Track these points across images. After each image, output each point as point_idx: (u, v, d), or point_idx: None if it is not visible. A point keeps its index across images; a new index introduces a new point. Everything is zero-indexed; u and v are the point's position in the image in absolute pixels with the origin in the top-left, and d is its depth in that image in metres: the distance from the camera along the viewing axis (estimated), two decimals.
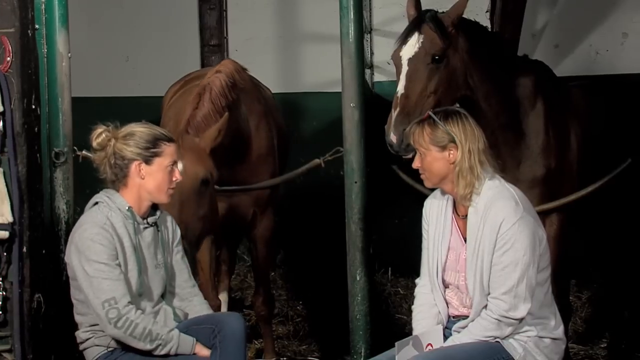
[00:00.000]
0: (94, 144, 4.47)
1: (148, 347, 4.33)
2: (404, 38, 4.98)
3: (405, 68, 4.94)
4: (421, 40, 4.93)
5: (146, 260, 4.47)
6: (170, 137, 4.55)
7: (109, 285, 4.29)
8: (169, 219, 4.67)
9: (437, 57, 4.93)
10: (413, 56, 4.94)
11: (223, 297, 6.97)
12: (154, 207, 4.56)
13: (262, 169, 6.05)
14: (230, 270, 7.34)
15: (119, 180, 4.47)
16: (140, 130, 4.49)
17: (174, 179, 4.50)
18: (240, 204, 6.03)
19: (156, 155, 4.45)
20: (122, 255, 4.38)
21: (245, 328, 4.51)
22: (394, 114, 4.86)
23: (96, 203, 4.47)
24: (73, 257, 4.38)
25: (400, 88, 4.91)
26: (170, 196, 4.54)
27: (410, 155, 4.52)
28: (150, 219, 4.52)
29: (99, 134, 4.46)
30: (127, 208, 4.44)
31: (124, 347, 4.38)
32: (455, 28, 4.99)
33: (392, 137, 4.82)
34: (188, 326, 4.49)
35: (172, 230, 4.66)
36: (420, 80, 4.90)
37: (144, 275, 4.44)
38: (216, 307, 5.82)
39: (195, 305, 4.64)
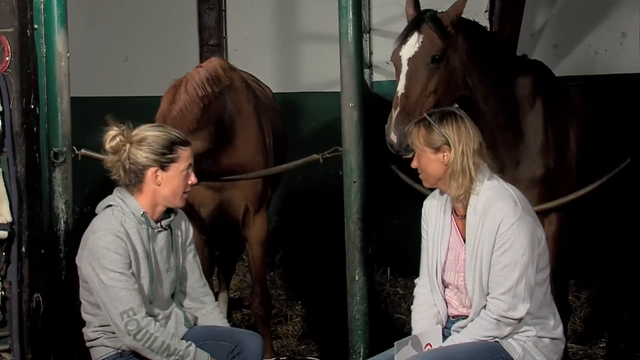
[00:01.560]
0: (107, 147, 4.32)
1: None
2: (403, 38, 4.98)
3: (405, 68, 4.93)
4: (421, 40, 4.93)
5: (159, 266, 4.40)
6: (186, 140, 4.40)
7: (126, 296, 4.21)
8: (183, 220, 4.57)
9: (436, 57, 4.93)
10: (413, 56, 4.93)
11: (223, 297, 6.98)
12: (168, 210, 4.44)
13: (251, 168, 6.02)
14: (231, 271, 7.35)
15: (133, 185, 4.34)
16: (155, 134, 4.34)
17: (189, 182, 4.39)
18: (232, 199, 6.02)
19: (172, 160, 4.32)
20: (134, 263, 4.29)
21: (263, 349, 4.50)
22: (394, 113, 4.85)
23: (109, 205, 4.36)
24: (86, 264, 4.28)
25: (400, 88, 4.90)
26: (184, 200, 4.42)
27: (410, 155, 4.51)
28: (164, 222, 4.42)
29: (113, 137, 4.31)
30: (141, 213, 4.33)
31: (133, 351, 4.33)
32: (454, 28, 4.98)
33: (393, 137, 4.81)
34: (205, 339, 4.43)
35: (186, 230, 4.56)
36: (420, 80, 4.89)
37: (156, 281, 4.37)
38: None
39: (209, 311, 4.60)
